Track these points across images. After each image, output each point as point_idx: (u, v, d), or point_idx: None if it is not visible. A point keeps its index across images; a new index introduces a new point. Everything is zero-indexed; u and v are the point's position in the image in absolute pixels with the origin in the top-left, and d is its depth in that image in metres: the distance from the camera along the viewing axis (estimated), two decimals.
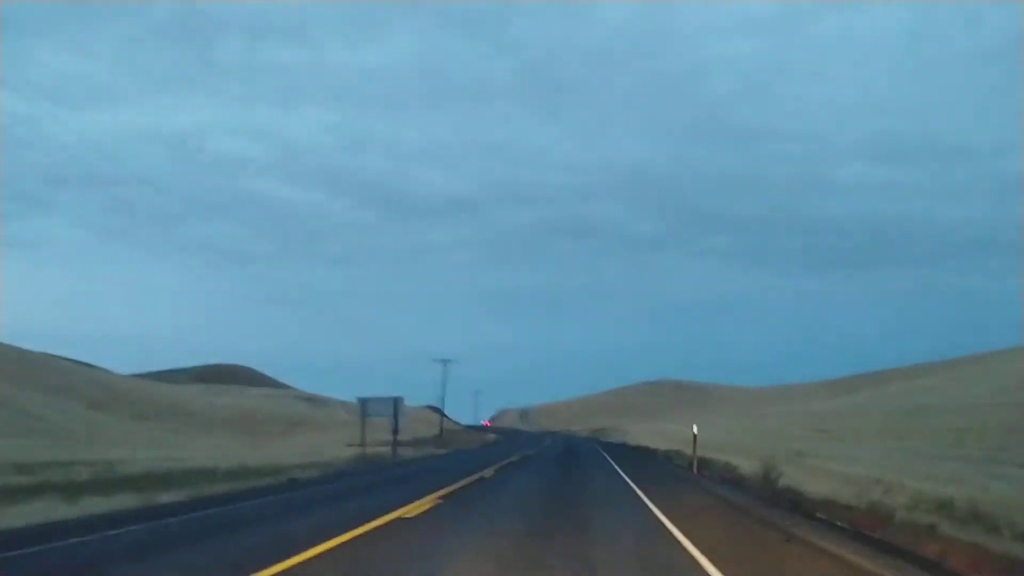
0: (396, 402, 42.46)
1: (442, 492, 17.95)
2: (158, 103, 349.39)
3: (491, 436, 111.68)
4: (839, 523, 12.88)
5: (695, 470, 28.22)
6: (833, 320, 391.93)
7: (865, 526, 12.17)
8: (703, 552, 9.69)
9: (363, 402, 43.57)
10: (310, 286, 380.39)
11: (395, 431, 43.17)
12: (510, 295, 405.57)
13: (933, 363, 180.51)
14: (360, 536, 10.91)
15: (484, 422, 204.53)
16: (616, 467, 32.20)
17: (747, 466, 25.21)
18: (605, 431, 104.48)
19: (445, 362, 77.44)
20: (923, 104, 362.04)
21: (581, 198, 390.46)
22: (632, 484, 21.86)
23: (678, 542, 10.69)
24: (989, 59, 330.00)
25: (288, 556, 9.01)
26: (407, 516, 13.34)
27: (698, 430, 30.77)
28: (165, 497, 16.79)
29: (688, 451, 32.91)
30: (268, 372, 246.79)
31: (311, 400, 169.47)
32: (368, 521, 12.30)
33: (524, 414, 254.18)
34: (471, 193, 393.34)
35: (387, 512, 13.57)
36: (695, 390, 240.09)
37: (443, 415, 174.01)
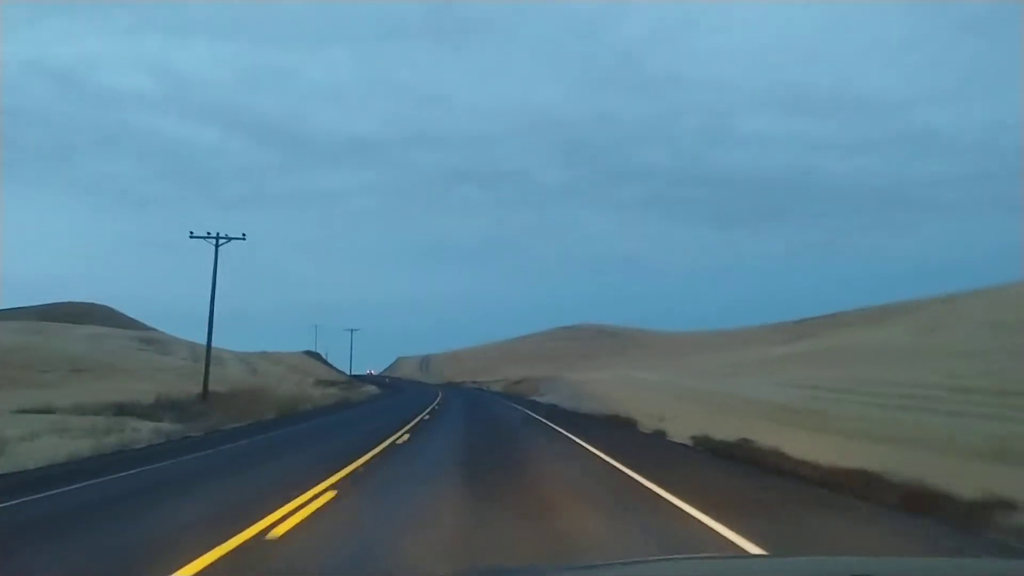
0: None
1: None
2: (42, 32, 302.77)
3: (364, 391, 77.63)
4: None
5: None
6: (742, 271, 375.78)
7: None
8: None
9: None
10: (201, 229, 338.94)
11: None
12: (414, 243, 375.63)
13: (848, 312, 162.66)
14: None
15: (369, 371, 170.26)
16: None
17: None
18: (532, 384, 65.55)
19: (218, 239, 39.94)
20: (833, 55, 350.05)
21: (489, 144, 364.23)
22: None
23: None
24: (899, 11, 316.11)
25: None
26: None
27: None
28: None
29: None
30: (135, 315, 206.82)
31: (149, 341, 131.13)
32: None
33: (425, 363, 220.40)
34: (374, 135, 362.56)
35: None
36: (620, 335, 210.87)
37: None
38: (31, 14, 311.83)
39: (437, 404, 44.53)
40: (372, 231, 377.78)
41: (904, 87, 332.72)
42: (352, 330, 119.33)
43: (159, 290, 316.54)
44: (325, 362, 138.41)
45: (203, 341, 40.51)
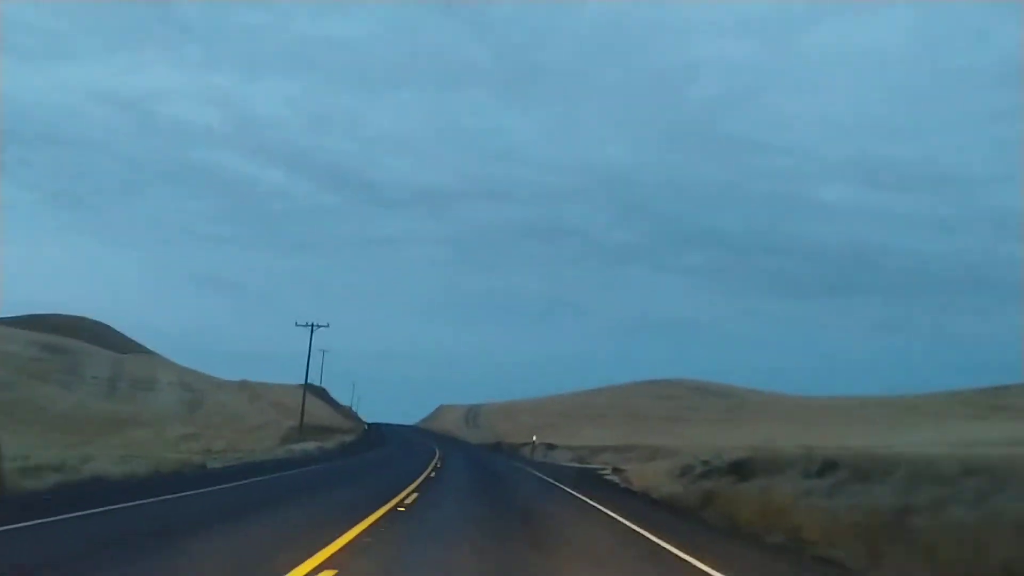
0: None
1: None
2: (114, 62, 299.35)
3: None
4: None
5: None
6: (811, 346, 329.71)
7: None
8: None
9: None
10: (254, 269, 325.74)
11: None
12: (469, 294, 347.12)
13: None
14: None
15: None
16: None
17: None
18: None
19: None
20: (916, 126, 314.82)
21: (554, 199, 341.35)
22: None
23: None
24: (991, 81, 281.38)
25: None
26: None
27: None
28: None
29: None
30: (144, 341, 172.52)
31: (56, 350, 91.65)
32: None
33: (472, 414, 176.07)
34: (438, 185, 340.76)
35: None
36: (730, 394, 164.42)
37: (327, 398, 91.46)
38: (106, 44, 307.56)
39: None
40: (428, 280, 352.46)
41: (992, 161, 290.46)
42: (322, 350, 70.97)
43: (188, 323, 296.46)
44: (327, 399, 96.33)
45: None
